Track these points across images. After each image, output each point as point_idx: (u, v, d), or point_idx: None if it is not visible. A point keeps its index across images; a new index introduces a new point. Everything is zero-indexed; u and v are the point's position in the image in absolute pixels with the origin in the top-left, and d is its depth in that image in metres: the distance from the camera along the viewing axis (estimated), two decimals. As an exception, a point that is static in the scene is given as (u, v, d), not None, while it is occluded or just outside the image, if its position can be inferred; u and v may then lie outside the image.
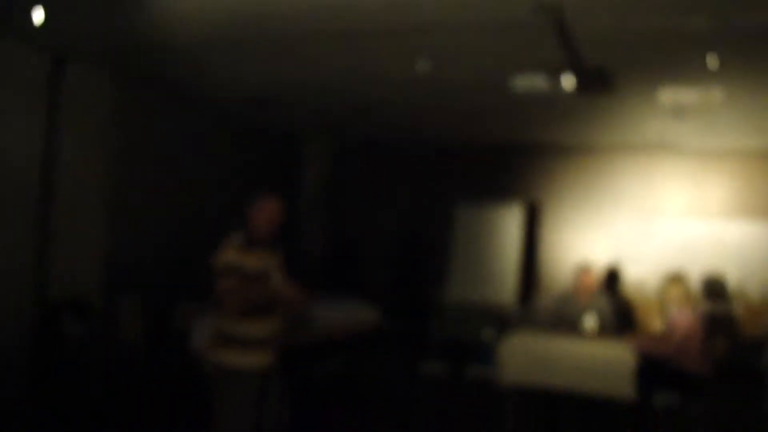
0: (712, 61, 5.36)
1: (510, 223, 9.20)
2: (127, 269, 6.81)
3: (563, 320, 6.40)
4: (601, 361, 5.58)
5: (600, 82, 5.55)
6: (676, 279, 6.09)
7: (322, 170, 10.71)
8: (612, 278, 9.23)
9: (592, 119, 7.95)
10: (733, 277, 9.07)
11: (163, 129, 7.56)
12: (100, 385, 5.58)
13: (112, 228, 6.58)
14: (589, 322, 6.24)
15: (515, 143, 9.85)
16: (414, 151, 10.44)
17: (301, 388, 6.67)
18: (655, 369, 5.84)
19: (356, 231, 9.95)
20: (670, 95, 6.39)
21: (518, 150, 10.04)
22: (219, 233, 8.11)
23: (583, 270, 6.52)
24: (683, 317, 5.86)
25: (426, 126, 8.91)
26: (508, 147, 10.00)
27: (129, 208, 7.02)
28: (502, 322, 8.06)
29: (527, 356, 5.71)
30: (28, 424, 5.17)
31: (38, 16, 4.69)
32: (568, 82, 5.23)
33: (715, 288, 9.00)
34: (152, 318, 6.46)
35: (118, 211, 6.71)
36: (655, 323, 8.12)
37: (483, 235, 9.05)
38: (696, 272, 9.05)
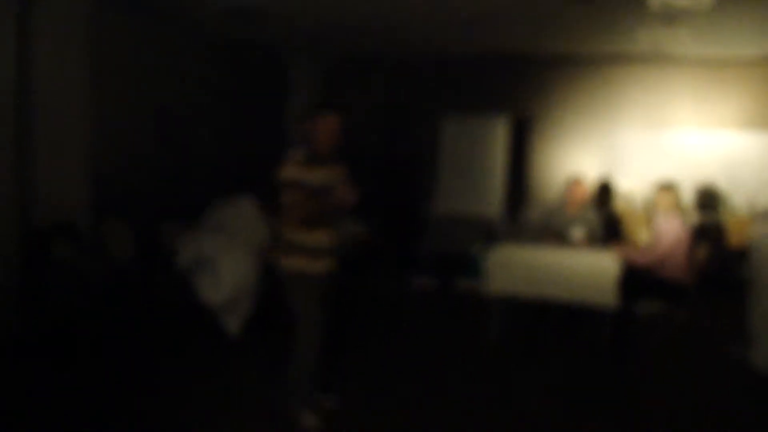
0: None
1: (498, 136, 9.12)
2: (113, 190, 6.81)
3: (551, 230, 6.45)
4: (585, 270, 5.64)
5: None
6: (666, 188, 6.09)
7: (310, 86, 10.57)
8: (604, 191, 9.23)
9: (582, 29, 7.77)
10: (723, 187, 9.08)
11: (144, 46, 7.40)
12: (93, 306, 5.63)
13: (96, 149, 6.52)
14: (576, 232, 6.29)
15: (504, 55, 9.68)
16: (401, 65, 10.29)
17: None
18: (639, 278, 5.91)
19: (344, 146, 9.85)
20: (659, 1, 6.23)
21: (507, 62, 9.88)
22: (204, 151, 8.23)
23: (575, 182, 6.55)
24: (670, 226, 5.89)
25: (414, 39, 8.72)
26: (497, 58, 9.83)
27: (111, 128, 6.93)
28: (490, 234, 8.10)
29: (513, 267, 5.77)
30: (20, 349, 5.25)
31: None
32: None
33: (706, 198, 9.01)
34: (140, 238, 6.49)
35: (100, 132, 6.64)
36: (644, 234, 8.16)
37: (471, 147, 8.98)
38: (688, 183, 9.09)
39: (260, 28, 8.12)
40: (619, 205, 9.20)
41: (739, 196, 8.94)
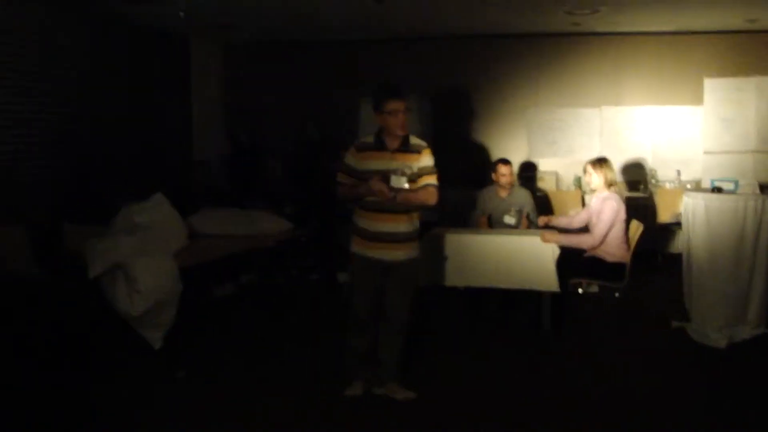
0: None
1: (421, 117, 8.86)
2: (4, 194, 6.21)
3: (485, 216, 6.31)
4: (524, 256, 5.55)
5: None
6: (600, 163, 5.93)
7: (213, 70, 10.07)
8: (529, 171, 9.17)
9: (503, 5, 7.60)
10: (650, 163, 9.18)
11: (37, 32, 6.77)
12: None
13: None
14: (510, 219, 6.16)
15: (424, 33, 9.47)
16: (314, 46, 9.93)
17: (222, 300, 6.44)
18: (577, 259, 5.79)
19: (259, 133, 9.46)
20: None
21: (428, 41, 9.68)
22: (106, 145, 7.67)
23: (501, 163, 6.39)
24: (607, 205, 5.73)
25: (323, 18, 8.34)
26: (414, 38, 9.62)
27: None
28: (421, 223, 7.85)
29: (451, 256, 5.58)
30: None
31: None
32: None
33: (632, 174, 9.08)
34: (38, 243, 5.92)
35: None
36: (570, 212, 8.11)
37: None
38: (616, 159, 9.12)
39: (161, 11, 7.60)
40: (546, 185, 9.16)
41: (666, 171, 9.04)
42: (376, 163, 4.13)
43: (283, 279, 7.41)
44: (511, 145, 9.48)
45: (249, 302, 6.70)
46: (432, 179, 4.19)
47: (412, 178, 4.10)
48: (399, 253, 4.20)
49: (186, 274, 5.21)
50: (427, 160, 4.20)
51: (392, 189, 4.02)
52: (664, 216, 8.35)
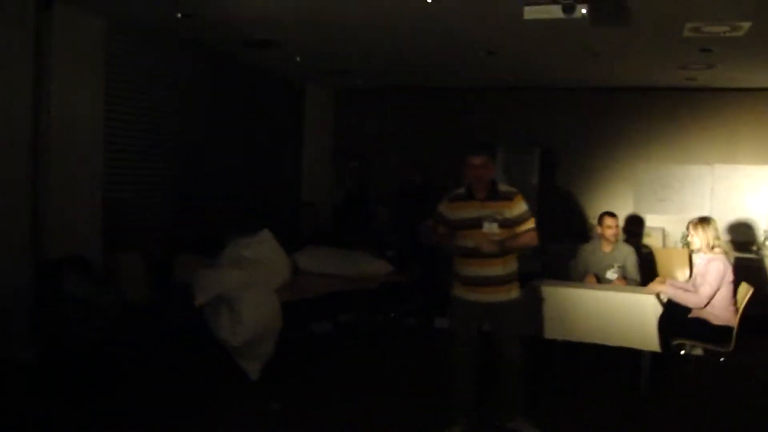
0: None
1: (531, 169, 8.90)
2: (126, 223, 6.59)
3: (588, 270, 6.19)
4: (626, 313, 5.39)
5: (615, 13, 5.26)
6: (703, 223, 5.78)
7: (325, 115, 10.40)
8: (635, 227, 8.96)
9: (615, 58, 7.55)
10: (763, 224, 8.81)
11: (159, 73, 7.18)
12: (106, 341, 5.38)
13: (109, 180, 6.33)
14: (612, 274, 6.03)
15: (533, 85, 9.51)
16: (423, 92, 10.10)
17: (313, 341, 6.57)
18: (681, 318, 5.62)
19: (366, 178, 9.66)
20: (695, 29, 6.00)
21: (535, 92, 9.70)
22: (220, 182, 8.02)
23: (606, 217, 6.31)
24: (713, 266, 5.56)
25: (433, 65, 8.51)
26: (526, 88, 9.65)
27: (124, 158, 6.72)
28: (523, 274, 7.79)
29: (552, 309, 5.49)
30: (32, 384, 5.05)
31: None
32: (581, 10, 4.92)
33: (743, 235, 8.73)
34: (153, 271, 6.25)
35: (113, 162, 6.45)
36: (679, 271, 7.86)
37: (502, 181, 8.70)
38: (728, 218, 8.82)
39: (278, 56, 7.95)
40: (653, 242, 8.91)
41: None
42: (468, 212, 4.41)
43: (382, 321, 7.49)
44: (617, 202, 9.27)
45: (346, 341, 6.80)
46: (531, 224, 4.46)
47: (504, 224, 4.34)
48: (496, 296, 4.42)
49: (287, 309, 5.36)
50: (521, 206, 4.46)
51: (495, 239, 4.27)
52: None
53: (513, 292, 4.49)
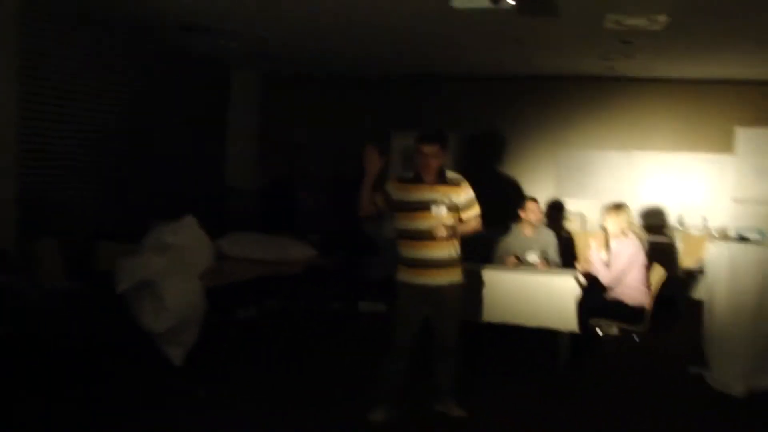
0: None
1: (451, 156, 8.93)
2: (43, 210, 6.40)
3: (509, 254, 6.33)
4: (545, 295, 5.58)
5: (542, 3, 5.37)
6: (617, 209, 6.03)
7: (251, 100, 10.30)
8: (556, 211, 9.19)
9: (538, 47, 7.71)
10: (675, 209, 9.16)
11: (78, 58, 6.99)
12: (25, 331, 5.22)
13: (24, 167, 6.12)
14: (533, 257, 6.20)
15: (458, 73, 9.61)
16: (347, 82, 10.10)
17: (238, 327, 6.52)
18: (598, 300, 5.84)
19: (290, 164, 9.62)
20: (616, 21, 6.19)
21: (460, 80, 9.81)
22: (141, 167, 7.86)
23: (529, 202, 6.46)
24: (624, 248, 5.83)
25: (361, 56, 8.54)
26: (449, 76, 9.75)
27: (41, 145, 6.52)
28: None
29: (471, 292, 5.57)
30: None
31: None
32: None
33: (656, 219, 9.07)
34: (74, 260, 6.10)
35: (29, 148, 6.24)
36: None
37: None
38: (642, 203, 9.15)
39: (203, 41, 7.82)
40: (572, 226, 9.17)
41: (692, 217, 9.02)
42: (416, 194, 4.45)
43: (306, 305, 7.51)
44: (539, 186, 9.53)
45: (271, 326, 6.79)
46: (477, 209, 4.59)
47: (452, 209, 4.43)
48: (443, 279, 4.45)
49: (211, 295, 5.31)
50: (469, 192, 4.56)
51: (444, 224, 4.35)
52: (687, 262, 8.30)
53: (457, 276, 4.54)
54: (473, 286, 5.61)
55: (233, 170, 9.96)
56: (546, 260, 6.23)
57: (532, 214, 6.41)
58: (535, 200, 6.52)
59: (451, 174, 4.57)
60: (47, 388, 4.75)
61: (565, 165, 9.67)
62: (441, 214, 4.37)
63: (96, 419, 4.33)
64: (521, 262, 6.24)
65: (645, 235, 8.04)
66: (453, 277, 4.50)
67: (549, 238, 6.43)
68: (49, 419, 4.28)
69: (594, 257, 5.96)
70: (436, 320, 4.54)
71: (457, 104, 9.81)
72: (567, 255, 7.03)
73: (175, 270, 5.14)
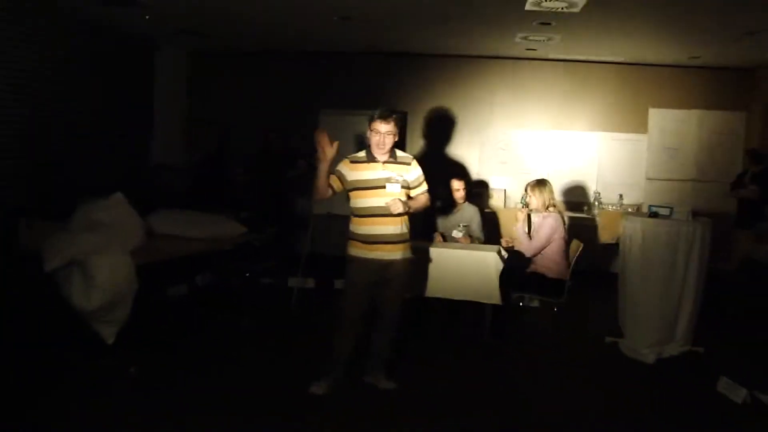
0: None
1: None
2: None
3: (437, 230, 6.50)
4: (470, 269, 5.79)
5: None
6: (539, 185, 6.25)
7: (178, 78, 10.19)
8: (480, 187, 9.44)
9: (458, 27, 7.88)
10: (594, 186, 9.52)
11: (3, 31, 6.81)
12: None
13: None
14: (457, 233, 6.36)
15: (379, 51, 9.71)
16: (278, 57, 10.11)
17: (168, 304, 6.53)
18: (519, 274, 6.07)
19: (219, 141, 9.55)
20: (536, 3, 6.41)
21: (382, 58, 9.91)
22: (66, 144, 7.71)
23: (453, 180, 6.62)
24: (546, 222, 6.07)
25: (289, 33, 8.55)
26: (373, 54, 9.84)
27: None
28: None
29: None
30: None
31: None
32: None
33: (576, 196, 9.40)
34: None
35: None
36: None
37: (348, 144, 8.89)
38: (563, 181, 9.46)
39: (127, 15, 7.68)
40: (496, 203, 9.44)
41: (610, 195, 9.39)
42: (369, 173, 4.60)
43: (237, 281, 7.55)
44: (463, 165, 9.76)
45: (202, 303, 6.82)
46: (425, 186, 4.80)
47: (404, 186, 4.61)
48: (396, 254, 4.62)
49: (142, 273, 5.31)
50: (418, 169, 4.76)
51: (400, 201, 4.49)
52: (605, 237, 8.68)
53: (408, 252, 4.71)
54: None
55: (162, 148, 9.84)
56: (470, 236, 6.43)
57: (456, 192, 6.59)
58: (460, 178, 6.69)
59: (400, 153, 4.74)
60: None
61: (488, 144, 9.91)
62: (395, 191, 4.54)
63: (28, 399, 4.32)
64: (445, 239, 6.41)
65: (565, 211, 8.39)
66: (404, 252, 4.67)
67: (472, 215, 6.61)
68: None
69: (519, 231, 6.19)
70: (384, 294, 4.67)
71: (384, 82, 9.90)
72: (491, 231, 7.27)
73: (105, 247, 5.12)
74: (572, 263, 6.09)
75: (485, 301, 5.83)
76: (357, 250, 4.62)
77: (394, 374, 4.89)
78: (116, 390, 4.59)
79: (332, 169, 4.65)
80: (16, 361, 4.91)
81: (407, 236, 4.69)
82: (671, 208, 5.91)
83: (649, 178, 9.42)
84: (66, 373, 4.80)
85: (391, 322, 4.75)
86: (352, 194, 4.65)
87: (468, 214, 6.60)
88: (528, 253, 6.13)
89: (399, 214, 4.51)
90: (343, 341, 4.68)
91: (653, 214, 5.89)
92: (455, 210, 6.61)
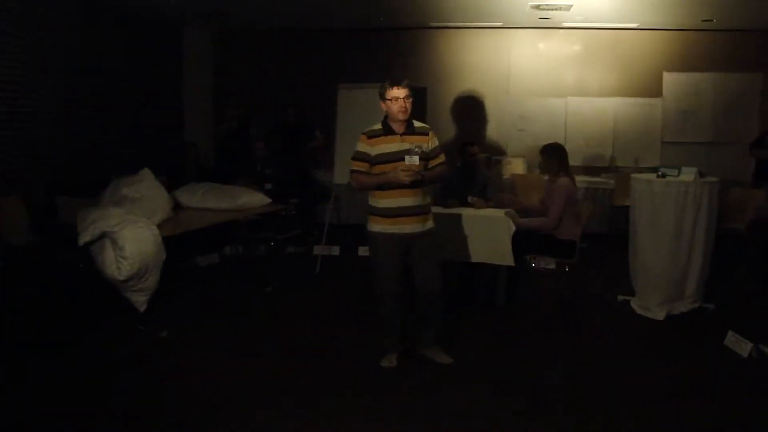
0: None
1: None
2: (5, 167, 6.59)
3: (454, 194, 6.63)
4: (484, 233, 5.92)
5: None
6: (552, 150, 6.32)
7: (204, 56, 10.47)
8: (498, 154, 9.58)
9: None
10: (611, 151, 9.61)
11: (32, 11, 7.09)
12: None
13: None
14: (473, 198, 6.47)
15: (396, 26, 9.88)
16: (299, 34, 10.31)
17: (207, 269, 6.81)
18: (532, 237, 6.19)
19: (247, 116, 9.81)
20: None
21: (398, 32, 10.08)
22: (99, 125, 8.04)
23: (467, 145, 6.77)
24: (561, 188, 6.11)
25: (308, 9, 8.74)
26: (396, 27, 10.00)
27: (5, 107, 6.68)
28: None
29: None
30: None
31: None
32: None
33: (590, 161, 9.48)
34: (36, 215, 6.29)
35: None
36: (535, 197, 8.52)
37: (365, 117, 9.03)
38: (580, 146, 9.57)
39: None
40: (514, 169, 9.58)
41: (626, 159, 9.48)
42: (389, 146, 4.51)
43: (263, 250, 7.81)
44: (482, 132, 9.91)
45: (230, 271, 7.11)
46: (443, 157, 4.71)
47: (423, 157, 4.51)
48: (417, 226, 4.57)
49: (170, 243, 5.56)
50: (435, 140, 4.68)
51: (414, 170, 4.42)
52: (619, 200, 8.78)
53: (430, 222, 4.66)
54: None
55: (191, 125, 10.20)
56: (484, 199, 6.53)
57: (471, 157, 6.73)
58: (473, 144, 6.82)
59: (418, 123, 4.66)
60: (15, 341, 4.94)
61: (506, 112, 10.03)
62: (414, 163, 4.43)
63: (66, 364, 4.61)
64: (460, 204, 6.53)
65: (582, 175, 8.49)
66: (426, 223, 4.63)
67: (487, 178, 6.74)
68: (23, 370, 4.50)
69: (523, 225, 6.17)
70: (418, 267, 4.62)
71: (404, 58, 10.08)
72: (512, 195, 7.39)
73: (133, 220, 5.41)
74: (582, 226, 6.20)
75: (499, 263, 5.93)
76: (378, 225, 4.56)
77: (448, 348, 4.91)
78: (149, 352, 4.89)
79: (354, 154, 4.60)
80: (56, 328, 5.24)
81: (428, 207, 4.67)
82: (679, 169, 6.00)
83: (665, 142, 9.48)
84: (102, 338, 5.13)
85: (432, 295, 4.65)
86: (372, 168, 4.55)
87: (482, 177, 6.72)
88: (553, 226, 6.07)
89: (415, 186, 4.45)
90: (390, 311, 4.67)
91: (661, 175, 5.99)
92: (470, 174, 6.74)
